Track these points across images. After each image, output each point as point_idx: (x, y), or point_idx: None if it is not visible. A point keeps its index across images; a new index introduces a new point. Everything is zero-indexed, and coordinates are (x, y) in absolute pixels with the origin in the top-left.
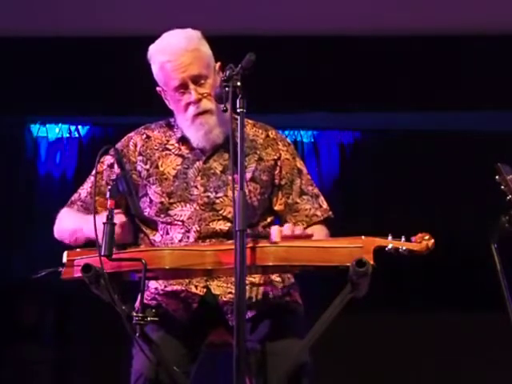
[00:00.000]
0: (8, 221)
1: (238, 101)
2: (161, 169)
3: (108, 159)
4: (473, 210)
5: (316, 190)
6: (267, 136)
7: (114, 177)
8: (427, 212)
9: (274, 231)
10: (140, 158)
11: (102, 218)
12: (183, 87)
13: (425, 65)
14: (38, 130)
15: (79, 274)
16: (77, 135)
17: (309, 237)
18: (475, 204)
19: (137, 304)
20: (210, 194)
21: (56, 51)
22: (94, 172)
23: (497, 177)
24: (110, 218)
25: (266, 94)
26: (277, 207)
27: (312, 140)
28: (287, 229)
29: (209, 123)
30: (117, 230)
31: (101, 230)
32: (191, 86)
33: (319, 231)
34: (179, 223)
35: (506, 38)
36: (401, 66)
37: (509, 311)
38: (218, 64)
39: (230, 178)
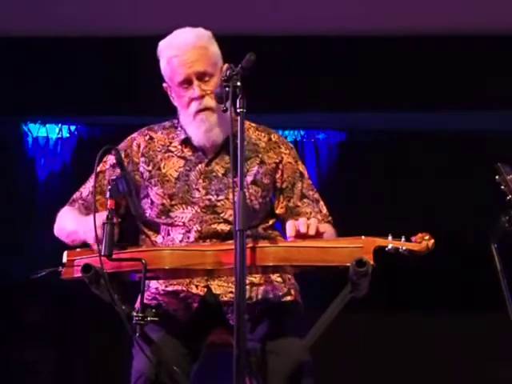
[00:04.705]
0: (8, 221)
1: (238, 101)
2: (163, 170)
3: (111, 159)
4: (473, 209)
5: (316, 195)
6: (269, 139)
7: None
8: (427, 212)
9: (290, 226)
10: (143, 159)
11: (101, 217)
12: (187, 83)
13: (425, 65)
14: (37, 129)
15: (79, 274)
16: (76, 135)
17: (320, 235)
18: (475, 204)
19: (137, 304)
20: (211, 196)
21: (56, 51)
22: (94, 174)
23: (497, 177)
24: (109, 218)
25: (266, 93)
26: (278, 210)
27: (312, 140)
28: (303, 224)
29: (210, 121)
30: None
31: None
32: (195, 83)
33: (329, 229)
34: (180, 224)
35: (506, 38)
36: (401, 66)
37: (509, 311)
38: (226, 65)
39: (231, 180)
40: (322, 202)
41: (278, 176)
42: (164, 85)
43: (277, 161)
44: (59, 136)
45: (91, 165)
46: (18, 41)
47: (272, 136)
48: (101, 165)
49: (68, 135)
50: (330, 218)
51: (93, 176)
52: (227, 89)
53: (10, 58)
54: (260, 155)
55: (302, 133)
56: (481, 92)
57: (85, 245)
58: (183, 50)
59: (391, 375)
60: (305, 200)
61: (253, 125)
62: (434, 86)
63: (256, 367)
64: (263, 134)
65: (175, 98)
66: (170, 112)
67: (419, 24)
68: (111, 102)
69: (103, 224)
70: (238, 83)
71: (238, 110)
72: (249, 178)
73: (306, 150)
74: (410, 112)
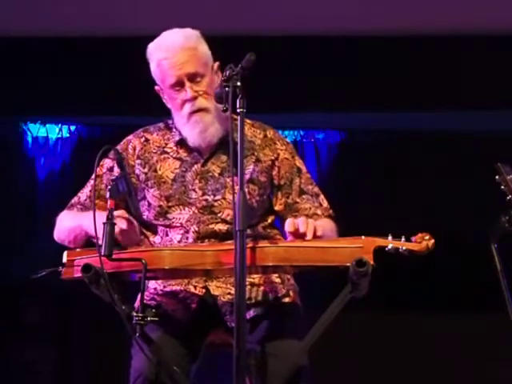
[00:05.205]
0: (8, 221)
1: (237, 101)
2: (159, 172)
3: (107, 163)
4: (473, 209)
5: (316, 189)
6: (265, 136)
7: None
8: (427, 212)
9: (289, 223)
10: (138, 161)
11: (101, 217)
12: (179, 85)
13: (425, 65)
14: (37, 129)
15: (79, 274)
16: (76, 135)
17: (318, 238)
18: (475, 204)
19: (137, 304)
20: (208, 197)
21: (56, 51)
22: (93, 175)
23: (497, 177)
24: (109, 218)
25: (266, 93)
26: (277, 207)
27: (311, 140)
28: (302, 223)
29: (204, 121)
30: (118, 236)
31: (100, 228)
32: (187, 84)
33: (328, 225)
34: (178, 225)
35: (506, 38)
36: (401, 66)
37: (509, 311)
38: (217, 64)
39: (228, 180)
40: (322, 196)
41: (274, 173)
42: (156, 87)
43: (273, 158)
44: (59, 136)
45: (91, 165)
46: (18, 41)
47: (267, 132)
48: (98, 169)
49: (68, 135)
50: (330, 212)
51: (90, 180)
52: (227, 89)
53: (10, 58)
54: (256, 153)
55: (301, 133)
56: (481, 92)
57: (86, 244)
58: (172, 52)
59: (391, 375)
60: (304, 196)
61: (248, 121)
62: (434, 86)
63: (255, 369)
64: (259, 131)
65: (168, 100)
66: (170, 112)
67: (419, 24)
68: (111, 102)
69: (103, 224)
70: (238, 83)
71: (238, 110)
72: (245, 177)
73: (306, 149)
74: (410, 112)
